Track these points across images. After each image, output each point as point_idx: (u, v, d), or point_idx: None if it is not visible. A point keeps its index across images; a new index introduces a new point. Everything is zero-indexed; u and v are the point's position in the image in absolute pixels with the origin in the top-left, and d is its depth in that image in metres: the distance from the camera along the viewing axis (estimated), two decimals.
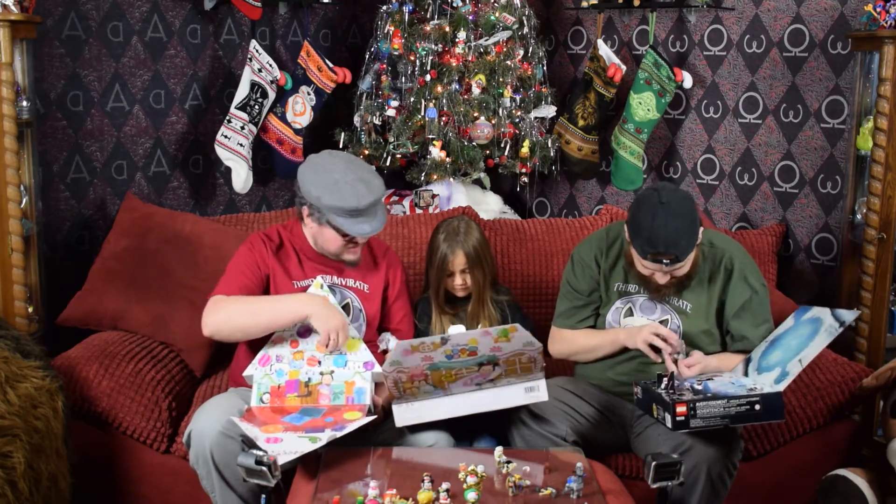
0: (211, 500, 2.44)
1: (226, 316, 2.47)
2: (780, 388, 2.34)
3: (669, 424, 2.31)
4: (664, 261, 2.44)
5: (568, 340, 2.75)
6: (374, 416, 2.40)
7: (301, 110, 4.06)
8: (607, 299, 2.70)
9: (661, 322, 2.62)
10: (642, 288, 2.63)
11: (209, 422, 2.36)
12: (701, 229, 2.52)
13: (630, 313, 2.66)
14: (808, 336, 2.42)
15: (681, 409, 2.29)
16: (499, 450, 2.26)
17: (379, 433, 2.47)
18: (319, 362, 2.50)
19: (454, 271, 2.80)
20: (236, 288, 2.53)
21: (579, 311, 2.74)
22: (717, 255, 2.63)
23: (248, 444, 2.31)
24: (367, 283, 2.69)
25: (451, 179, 3.94)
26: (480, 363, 2.35)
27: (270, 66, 3.90)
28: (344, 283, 2.66)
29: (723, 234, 2.75)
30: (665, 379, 2.40)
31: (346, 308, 2.61)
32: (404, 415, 2.39)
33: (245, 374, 2.51)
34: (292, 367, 2.49)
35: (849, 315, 2.39)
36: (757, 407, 2.32)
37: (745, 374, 2.51)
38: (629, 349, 2.63)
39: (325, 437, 2.25)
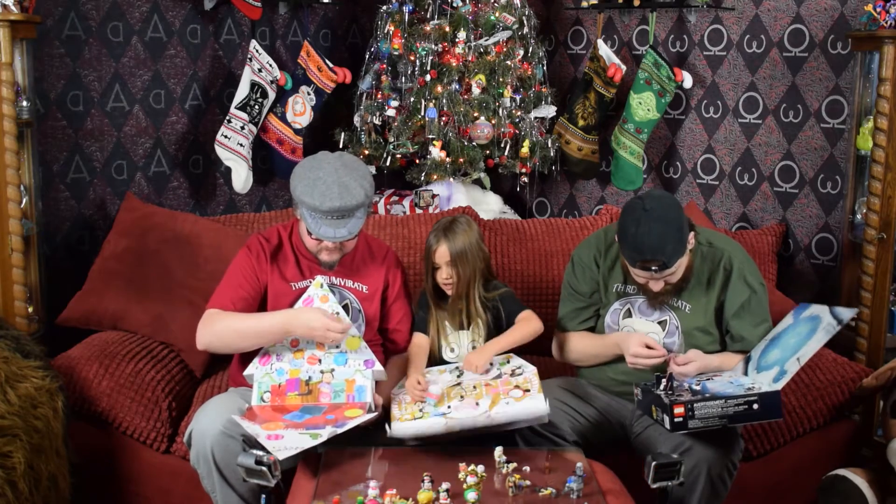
0: (211, 500, 2.45)
1: (216, 335, 2.51)
2: (778, 386, 2.34)
3: (668, 426, 2.31)
4: (653, 268, 2.44)
5: (571, 348, 2.75)
6: (375, 414, 2.40)
7: (301, 110, 4.06)
8: (606, 300, 2.70)
9: (659, 323, 2.63)
10: (641, 291, 2.64)
11: (210, 421, 2.36)
12: (692, 233, 2.52)
13: (629, 314, 2.66)
14: (806, 334, 2.42)
15: (678, 410, 2.28)
16: (499, 450, 2.26)
17: (380, 433, 2.47)
18: (320, 361, 2.50)
19: (439, 264, 2.73)
20: (230, 302, 2.54)
21: (582, 313, 2.74)
22: (716, 256, 2.63)
23: (249, 443, 2.31)
24: (365, 283, 2.68)
25: (451, 179, 3.94)
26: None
27: (270, 66, 3.90)
28: (342, 283, 2.66)
29: (721, 234, 2.75)
30: (664, 380, 2.40)
31: (345, 308, 2.61)
32: (400, 428, 2.40)
33: (246, 373, 2.51)
34: (293, 365, 2.49)
35: (847, 313, 2.39)
36: (755, 406, 2.31)
37: (745, 373, 2.51)
38: None
39: (325, 434, 2.25)
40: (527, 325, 2.71)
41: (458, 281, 2.73)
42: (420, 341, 2.74)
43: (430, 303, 2.80)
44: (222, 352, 2.60)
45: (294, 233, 2.67)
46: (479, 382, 2.51)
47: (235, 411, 2.38)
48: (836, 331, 2.37)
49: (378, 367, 2.49)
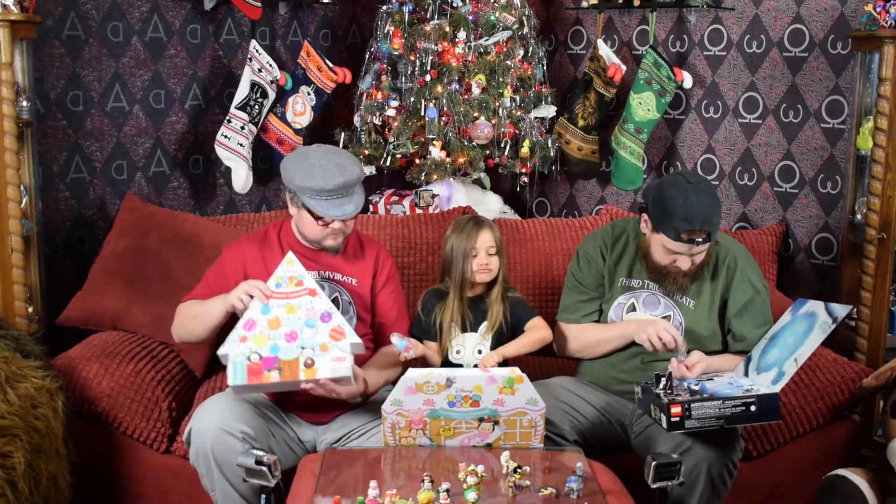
0: (211, 500, 2.45)
1: (178, 325, 2.63)
2: (776, 388, 2.34)
3: (665, 425, 2.31)
4: (697, 239, 2.45)
5: (575, 336, 2.74)
6: (355, 382, 2.42)
7: (301, 110, 4.06)
8: (610, 294, 2.70)
9: (663, 317, 2.63)
10: (649, 283, 2.64)
11: (209, 419, 2.36)
12: None
13: (633, 309, 2.66)
14: (803, 333, 2.42)
15: (675, 409, 2.28)
16: (505, 455, 2.24)
17: (379, 433, 2.47)
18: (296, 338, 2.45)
19: (479, 251, 2.71)
20: (197, 296, 2.63)
21: (585, 305, 2.74)
22: (721, 253, 2.64)
23: (248, 443, 2.31)
24: (355, 276, 2.68)
25: (451, 179, 3.94)
26: (481, 418, 2.33)
27: (270, 66, 3.90)
28: (332, 276, 2.65)
29: (725, 234, 2.76)
30: (663, 379, 2.40)
31: (334, 302, 2.60)
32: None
33: (220, 352, 2.41)
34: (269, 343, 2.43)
35: (842, 310, 2.39)
36: (752, 408, 2.31)
37: (746, 373, 2.51)
38: (632, 346, 2.63)
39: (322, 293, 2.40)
40: (536, 332, 2.73)
41: (499, 269, 2.74)
42: (433, 352, 2.75)
43: (449, 302, 2.76)
44: (191, 340, 2.65)
45: (284, 230, 2.68)
46: (471, 419, 2.40)
47: (235, 410, 2.38)
48: (831, 329, 2.37)
49: (356, 339, 2.42)
